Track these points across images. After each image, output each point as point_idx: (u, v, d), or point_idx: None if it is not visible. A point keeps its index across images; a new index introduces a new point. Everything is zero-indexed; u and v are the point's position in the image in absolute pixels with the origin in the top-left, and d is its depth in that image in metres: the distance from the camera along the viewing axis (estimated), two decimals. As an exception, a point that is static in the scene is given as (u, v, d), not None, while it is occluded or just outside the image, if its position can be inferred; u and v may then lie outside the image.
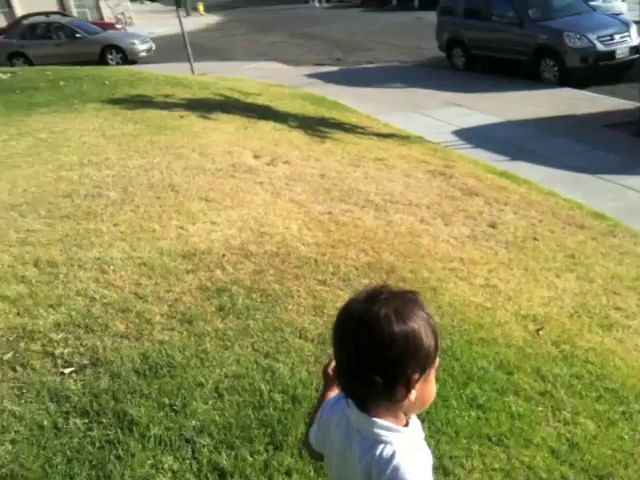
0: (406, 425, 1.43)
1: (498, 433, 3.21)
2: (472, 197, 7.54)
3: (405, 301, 1.39)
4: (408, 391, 1.36)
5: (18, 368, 3.33)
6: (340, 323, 1.40)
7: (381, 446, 1.36)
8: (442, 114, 12.82)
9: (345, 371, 1.40)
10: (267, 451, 2.90)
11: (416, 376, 1.36)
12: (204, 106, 10.84)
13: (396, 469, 1.33)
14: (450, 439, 3.14)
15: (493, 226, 6.52)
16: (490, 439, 3.17)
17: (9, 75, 13.41)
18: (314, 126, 10.65)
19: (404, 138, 10.96)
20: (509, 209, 7.22)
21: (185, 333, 3.77)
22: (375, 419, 1.38)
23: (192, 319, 3.91)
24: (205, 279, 4.44)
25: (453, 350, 3.88)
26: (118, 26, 27.13)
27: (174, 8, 18.81)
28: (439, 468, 2.90)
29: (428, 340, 1.36)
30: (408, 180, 7.99)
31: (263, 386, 3.32)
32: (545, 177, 8.81)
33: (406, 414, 1.43)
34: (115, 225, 5.28)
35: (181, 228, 5.32)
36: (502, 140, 10.73)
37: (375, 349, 1.32)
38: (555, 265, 5.60)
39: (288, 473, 2.80)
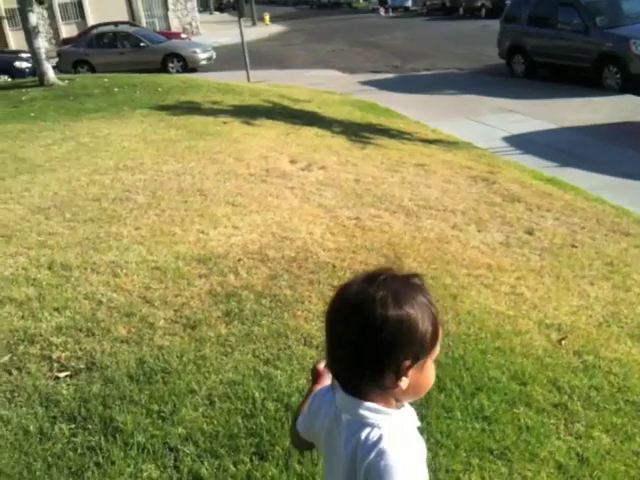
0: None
1: (502, 446, 3.02)
2: (513, 203, 7.28)
3: (405, 285, 1.32)
4: (398, 378, 1.29)
5: (13, 371, 3.33)
6: (334, 303, 1.34)
7: (367, 429, 1.29)
8: (494, 120, 12.51)
9: (335, 353, 1.35)
10: (252, 461, 2.80)
11: (407, 363, 1.29)
12: (250, 112, 10.87)
13: (381, 453, 1.25)
14: (449, 452, 2.97)
15: (530, 233, 6.26)
16: (492, 452, 2.99)
17: (67, 82, 13.80)
18: (358, 132, 10.53)
19: (451, 144, 10.73)
20: (550, 215, 6.93)
21: (186, 338, 3.71)
22: (361, 401, 1.31)
23: (196, 324, 3.85)
24: (216, 284, 4.38)
25: (465, 359, 3.70)
26: (183, 35, 27.71)
27: (241, 18, 19.06)
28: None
29: (424, 327, 1.29)
30: (447, 186, 7.78)
31: (257, 394, 3.22)
32: (595, 184, 8.43)
33: (398, 401, 1.36)
34: (137, 229, 5.30)
35: (202, 232, 5.29)
36: (553, 146, 10.37)
37: (366, 332, 1.26)
38: (591, 273, 5.32)
39: (270, 486, 2.69)
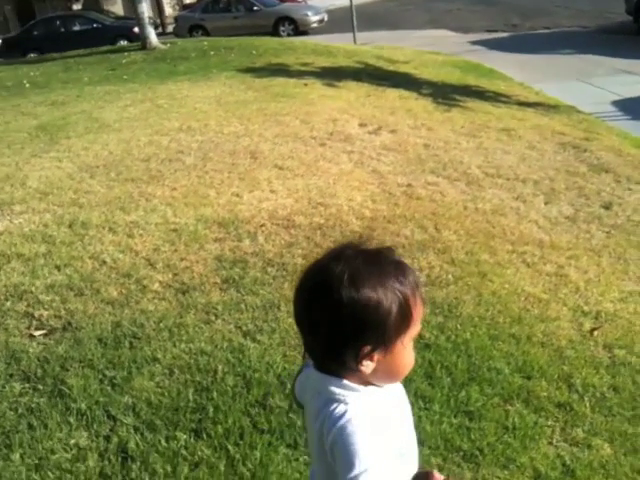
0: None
1: (475, 447, 2.66)
2: (599, 174, 6.60)
3: (369, 262, 1.21)
4: (358, 362, 1.21)
5: (-8, 326, 3.34)
6: (299, 279, 1.27)
7: (334, 404, 1.23)
8: (608, 82, 11.47)
9: (299, 329, 1.28)
10: (186, 438, 2.63)
11: (366, 349, 1.20)
12: (336, 74, 10.56)
13: (342, 429, 1.19)
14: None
15: (607, 207, 5.63)
16: (461, 453, 2.64)
17: (168, 45, 14.07)
18: (448, 94, 9.95)
19: (551, 108, 9.93)
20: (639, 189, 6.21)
21: (174, 303, 3.58)
22: (331, 377, 1.25)
23: (188, 289, 3.71)
24: (228, 249, 4.22)
25: (469, 345, 3.33)
26: (299, -1, 27.49)
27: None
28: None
29: (386, 310, 1.19)
30: (529, 152, 7.18)
31: (221, 367, 3.04)
32: None
33: (371, 383, 1.27)
34: (173, 189, 5.22)
35: (236, 195, 5.14)
36: (667, 111, 9.33)
37: (320, 313, 1.20)
38: (663, 255, 4.69)
39: (196, 464, 2.50)
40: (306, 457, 2.53)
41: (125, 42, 19.06)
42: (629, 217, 5.44)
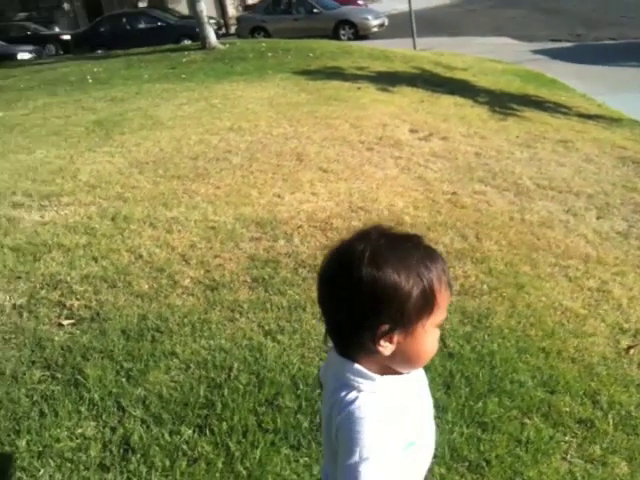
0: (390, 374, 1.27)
1: (482, 458, 2.58)
2: (658, 190, 6.35)
3: (392, 244, 1.22)
4: (376, 342, 1.20)
5: (24, 314, 3.41)
6: (325, 257, 1.28)
7: (347, 390, 1.22)
8: (676, 95, 11.05)
9: (323, 312, 1.28)
10: (190, 433, 2.63)
11: (384, 328, 1.19)
12: (391, 79, 10.50)
13: (349, 415, 1.18)
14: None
15: (663, 224, 5.42)
16: (467, 463, 2.56)
17: (227, 46, 14.25)
18: (505, 103, 9.77)
19: (613, 121, 9.63)
20: (700, 206, 5.96)
21: (201, 299, 3.60)
22: (349, 362, 1.24)
23: (217, 286, 3.72)
24: (262, 248, 4.22)
25: (494, 357, 3.23)
26: (360, 2, 27.38)
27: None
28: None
29: (406, 291, 1.18)
30: (586, 165, 6.97)
31: (237, 365, 3.03)
32: None
33: (389, 367, 1.26)
34: (217, 188, 5.27)
35: (277, 196, 5.14)
36: None
37: (339, 290, 1.20)
38: None
39: (195, 460, 2.50)
40: (307, 459, 2.51)
41: (188, 41, 19.37)
42: (685, 235, 5.22)
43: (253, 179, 5.52)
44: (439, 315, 1.24)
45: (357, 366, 1.23)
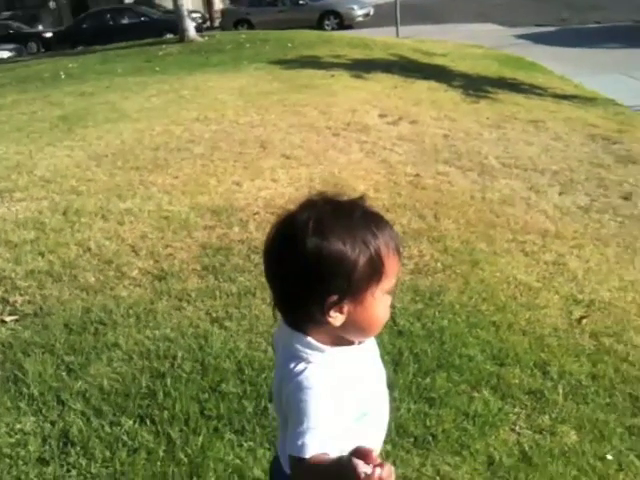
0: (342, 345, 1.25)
1: (428, 433, 2.53)
2: (625, 165, 6.34)
3: (337, 211, 1.17)
4: (325, 313, 1.16)
5: (-34, 312, 3.35)
6: (269, 229, 1.24)
7: (296, 361, 1.20)
8: (653, 75, 11.02)
9: (269, 284, 1.24)
10: (131, 424, 2.56)
11: (333, 299, 1.15)
12: (367, 66, 10.41)
13: (297, 385, 1.16)
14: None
15: (626, 197, 5.41)
16: (412, 439, 2.51)
17: (206, 38, 14.14)
18: (481, 86, 9.71)
19: (587, 100, 9.61)
20: (669, 180, 5.92)
21: (149, 290, 3.53)
22: (298, 334, 1.21)
23: (166, 276, 3.66)
24: (216, 236, 4.16)
25: (444, 332, 3.19)
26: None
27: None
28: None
29: (354, 261, 1.14)
30: (554, 144, 6.94)
31: (181, 353, 2.97)
32: None
33: (341, 337, 1.23)
34: (175, 178, 5.20)
35: (236, 184, 5.08)
36: None
37: (285, 263, 1.17)
38: (677, 247, 4.44)
39: (135, 450, 2.44)
40: (252, 443, 2.46)
41: (171, 35, 19.20)
42: (649, 208, 5.18)
43: (213, 168, 5.45)
44: (388, 282, 1.20)
45: (306, 338, 1.20)
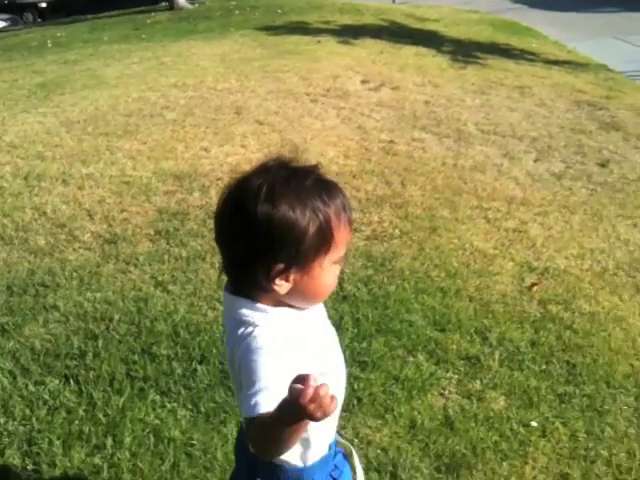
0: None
1: (354, 396, 2.51)
2: (608, 132, 6.23)
3: (291, 178, 1.15)
4: (270, 281, 1.15)
5: None
6: (222, 193, 1.22)
7: (244, 327, 1.18)
8: (647, 40, 10.82)
9: (219, 249, 1.24)
10: (56, 384, 2.56)
11: (279, 267, 1.14)
12: (355, 32, 10.22)
13: (246, 347, 1.15)
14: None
15: (603, 165, 5.31)
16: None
17: (196, 5, 13.94)
18: (470, 52, 9.53)
19: (579, 66, 9.43)
20: (649, 148, 5.83)
21: (98, 253, 3.52)
22: (243, 299, 1.20)
23: (117, 240, 3.63)
24: (175, 201, 4.12)
25: (389, 298, 3.16)
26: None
27: None
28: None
29: (303, 229, 1.13)
30: (538, 110, 6.82)
31: (118, 316, 2.96)
32: None
33: (288, 305, 1.22)
34: (143, 143, 5.14)
35: (204, 150, 5.02)
36: None
37: (235, 226, 1.16)
38: (644, 214, 4.37)
39: (55, 409, 2.44)
40: (175, 404, 2.46)
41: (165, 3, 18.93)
42: (624, 175, 5.10)
43: (183, 133, 5.38)
44: (337, 253, 1.19)
45: (252, 303, 1.19)
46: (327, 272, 1.20)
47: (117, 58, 8.80)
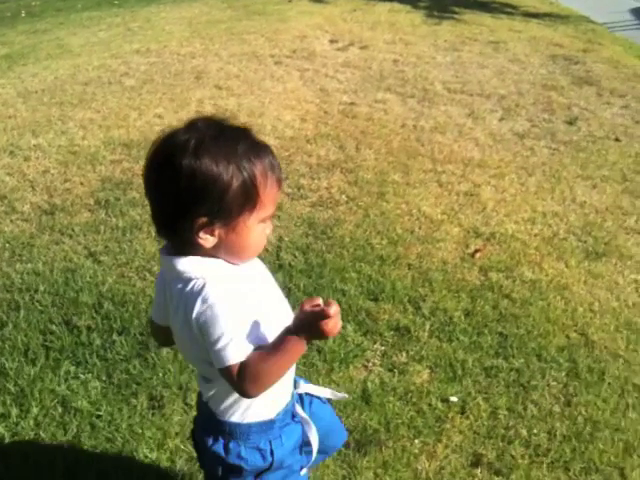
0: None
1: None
2: (581, 87, 6.11)
3: (218, 135, 1.15)
4: (193, 234, 1.16)
5: None
6: (150, 146, 1.20)
7: (192, 282, 1.18)
8: (632, -11, 10.55)
9: (149, 203, 1.22)
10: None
11: (202, 220, 1.15)
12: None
13: (205, 300, 1.15)
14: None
15: (571, 122, 5.20)
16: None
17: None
18: (447, 7, 9.33)
19: (559, 18, 9.26)
20: (620, 103, 5.73)
21: (34, 224, 3.45)
22: (179, 258, 1.20)
23: (55, 211, 3.56)
24: (120, 170, 4.04)
25: (324, 267, 3.09)
26: None
27: None
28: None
29: (225, 185, 1.13)
30: (510, 66, 6.68)
31: (44, 287, 2.90)
32: None
33: (220, 258, 1.22)
34: (97, 112, 5.04)
35: (158, 117, 4.92)
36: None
37: (160, 178, 1.16)
38: (605, 174, 4.28)
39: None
40: (89, 375, 2.41)
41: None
42: (591, 132, 5.00)
43: (139, 101, 5.27)
44: (264, 212, 1.20)
45: (187, 258, 1.19)
46: (253, 230, 1.20)
47: (85, 26, 8.61)
